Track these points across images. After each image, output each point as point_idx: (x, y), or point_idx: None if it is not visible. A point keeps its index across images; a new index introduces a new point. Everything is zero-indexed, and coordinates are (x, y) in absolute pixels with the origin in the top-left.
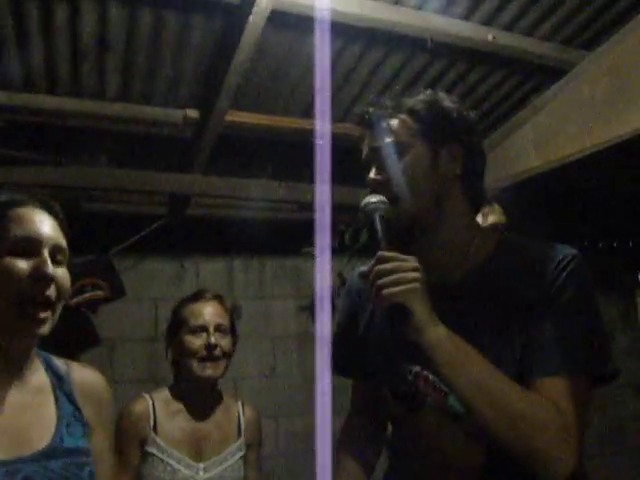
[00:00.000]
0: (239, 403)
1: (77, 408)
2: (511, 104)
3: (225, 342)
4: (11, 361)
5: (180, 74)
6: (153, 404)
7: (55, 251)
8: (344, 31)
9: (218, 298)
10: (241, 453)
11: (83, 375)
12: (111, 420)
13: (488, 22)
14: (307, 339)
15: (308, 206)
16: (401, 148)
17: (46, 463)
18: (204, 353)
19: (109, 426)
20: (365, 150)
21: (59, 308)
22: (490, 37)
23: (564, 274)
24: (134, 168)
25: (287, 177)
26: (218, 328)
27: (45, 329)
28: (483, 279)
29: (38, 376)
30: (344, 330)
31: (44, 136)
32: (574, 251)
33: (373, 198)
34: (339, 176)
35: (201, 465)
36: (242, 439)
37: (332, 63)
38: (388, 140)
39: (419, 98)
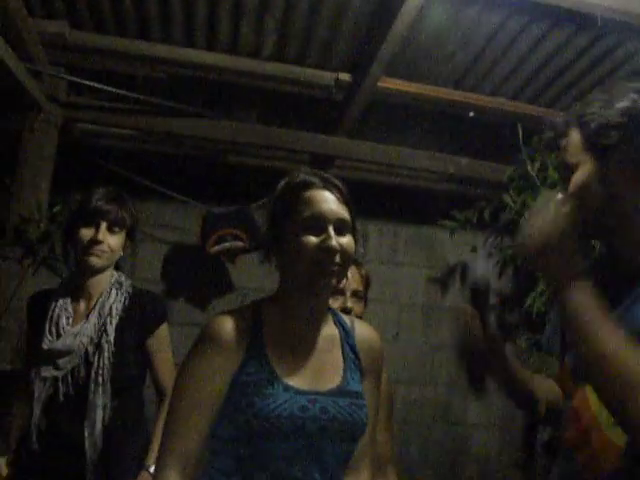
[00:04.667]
0: None
1: (358, 357)
2: None
3: (358, 308)
4: (312, 314)
5: (336, 38)
6: None
7: (339, 225)
8: (507, 4)
9: (356, 264)
10: None
11: (364, 330)
12: (380, 371)
13: None
14: (434, 310)
15: (450, 178)
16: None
17: (337, 399)
18: None
19: (378, 376)
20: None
21: (347, 267)
22: None
23: None
24: (281, 126)
25: (431, 147)
26: (354, 294)
27: (337, 281)
28: None
29: (330, 328)
30: None
31: (201, 90)
32: None
33: None
34: (485, 150)
35: None
36: None
37: (491, 36)
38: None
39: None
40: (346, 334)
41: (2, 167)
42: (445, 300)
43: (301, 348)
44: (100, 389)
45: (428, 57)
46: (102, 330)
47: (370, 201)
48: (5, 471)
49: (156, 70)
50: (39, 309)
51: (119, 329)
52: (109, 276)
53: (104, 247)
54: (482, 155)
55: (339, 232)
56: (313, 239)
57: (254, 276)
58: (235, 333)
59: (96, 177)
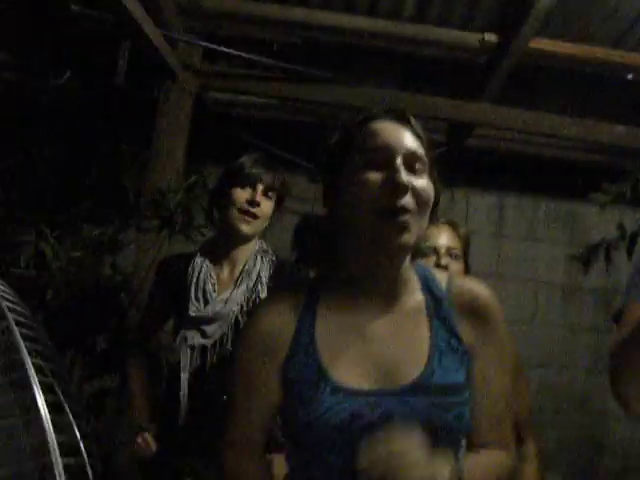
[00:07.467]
0: None
1: (454, 335)
2: None
3: (456, 267)
4: (381, 282)
5: None
6: None
7: (411, 160)
8: None
9: (452, 224)
10: None
11: (464, 292)
12: (501, 341)
13: None
14: (574, 290)
15: (601, 148)
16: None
17: (409, 399)
18: None
19: (498, 349)
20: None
21: (421, 219)
22: None
23: None
24: (418, 92)
25: (582, 114)
26: (448, 252)
27: (407, 237)
28: None
29: (414, 298)
30: None
31: (335, 55)
32: None
33: None
34: None
35: None
36: None
37: None
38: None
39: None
40: (436, 303)
41: (135, 137)
42: (587, 280)
43: (366, 333)
44: None
45: (586, 14)
46: (254, 297)
47: (508, 173)
48: (154, 446)
49: (292, 35)
50: (175, 274)
51: None
52: (254, 244)
53: (259, 210)
54: None
55: (412, 170)
56: (376, 175)
57: None
58: (278, 319)
59: (230, 148)
